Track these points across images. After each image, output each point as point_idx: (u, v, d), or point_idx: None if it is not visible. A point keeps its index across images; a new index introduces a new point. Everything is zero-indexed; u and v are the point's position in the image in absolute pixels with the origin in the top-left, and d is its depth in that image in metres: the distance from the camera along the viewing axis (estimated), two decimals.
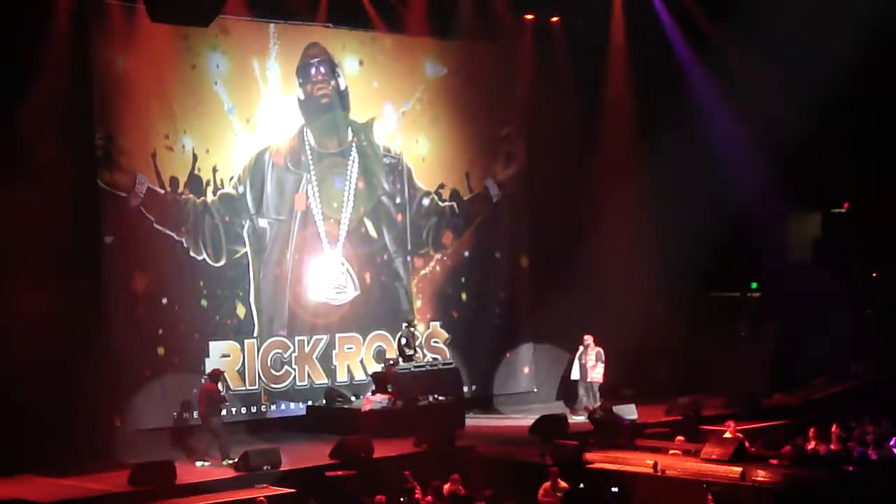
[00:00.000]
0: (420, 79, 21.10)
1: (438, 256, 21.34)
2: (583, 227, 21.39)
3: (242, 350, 18.97)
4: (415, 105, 21.05)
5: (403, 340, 19.54)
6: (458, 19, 20.67)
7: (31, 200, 16.00)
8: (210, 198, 18.71)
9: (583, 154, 21.62)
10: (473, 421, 19.61)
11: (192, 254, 18.47)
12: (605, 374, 20.06)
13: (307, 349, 19.70)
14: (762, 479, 14.57)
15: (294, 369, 19.53)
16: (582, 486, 14.76)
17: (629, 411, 18.81)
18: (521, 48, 21.83)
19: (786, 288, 22.29)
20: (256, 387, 19.07)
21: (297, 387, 19.54)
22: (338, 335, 20.03)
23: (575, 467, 15.55)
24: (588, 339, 20.09)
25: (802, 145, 20.55)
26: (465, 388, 20.62)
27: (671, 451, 16.64)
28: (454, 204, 21.51)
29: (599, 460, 16.10)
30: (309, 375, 19.68)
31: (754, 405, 19.89)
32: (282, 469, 15.75)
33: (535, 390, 22.03)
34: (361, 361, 20.23)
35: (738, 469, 14.81)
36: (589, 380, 20.02)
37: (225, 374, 17.84)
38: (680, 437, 17.12)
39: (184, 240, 18.38)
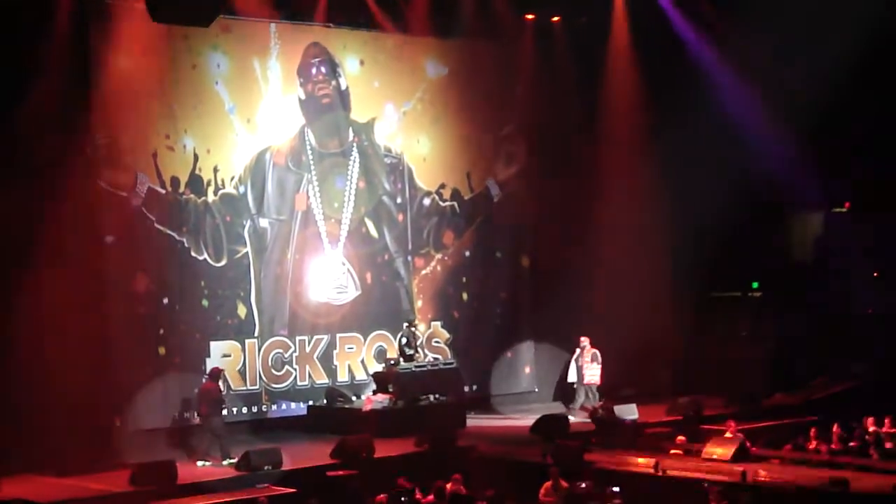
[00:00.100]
0: (421, 78, 21.10)
1: (439, 256, 21.34)
2: (584, 227, 21.38)
3: (243, 350, 18.97)
4: (416, 105, 21.05)
5: (404, 340, 19.54)
6: (459, 19, 20.66)
7: (32, 200, 16.01)
8: (211, 198, 18.71)
9: (584, 153, 21.60)
10: (474, 421, 19.60)
11: (193, 254, 18.47)
12: (602, 376, 20.03)
13: (308, 349, 19.70)
14: (763, 478, 14.57)
15: (295, 369, 19.53)
16: (583, 485, 14.74)
17: (630, 411, 18.82)
18: (522, 48, 21.81)
19: (786, 288, 22.31)
20: (257, 387, 19.08)
21: (298, 387, 19.54)
22: (339, 335, 20.03)
23: (576, 467, 15.55)
24: (584, 340, 20.07)
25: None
26: (466, 388, 20.62)
27: (672, 451, 16.66)
28: (455, 204, 21.51)
29: (601, 460, 16.11)
30: (310, 375, 19.68)
31: (755, 405, 19.90)
32: (283, 469, 15.74)
33: (536, 390, 22.03)
34: (362, 361, 20.23)
35: (739, 469, 14.81)
36: (585, 381, 19.98)
37: (225, 372, 17.89)
38: (681, 437, 17.13)
39: (185, 240, 18.38)
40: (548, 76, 21.69)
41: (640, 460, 15.79)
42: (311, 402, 19.44)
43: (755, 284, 22.91)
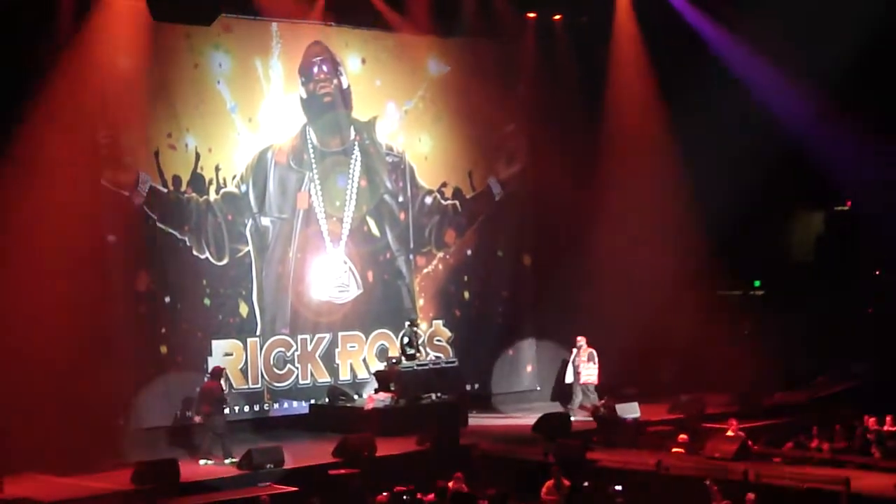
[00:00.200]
0: (423, 77, 21.10)
1: (441, 255, 21.34)
2: (585, 226, 21.37)
3: (245, 349, 18.98)
4: (417, 103, 21.05)
5: (406, 339, 19.55)
6: (460, 17, 20.67)
7: (34, 199, 16.02)
8: (213, 196, 18.72)
9: (585, 152, 21.59)
10: (476, 419, 19.60)
11: (194, 252, 18.48)
12: (599, 375, 19.96)
13: (310, 348, 19.71)
14: (765, 477, 14.57)
15: (297, 368, 19.54)
16: (586, 484, 14.75)
17: (632, 409, 18.82)
18: (524, 46, 21.81)
19: (789, 286, 22.30)
20: (259, 385, 19.08)
21: (300, 385, 19.55)
22: (340, 334, 20.04)
23: (578, 465, 15.55)
24: (581, 340, 20.00)
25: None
26: (468, 387, 20.63)
27: (674, 450, 16.66)
28: (457, 202, 21.51)
29: (603, 458, 16.11)
30: (312, 374, 19.69)
31: (757, 403, 19.88)
32: (285, 467, 15.75)
33: (538, 388, 22.03)
34: (364, 360, 20.24)
35: (741, 467, 14.81)
36: (582, 381, 19.91)
37: (227, 371, 17.91)
38: (683, 436, 17.12)
39: (186, 238, 18.39)
40: (549, 74, 21.69)
41: (643, 459, 15.78)
42: (312, 401, 19.45)
43: (757, 283, 22.89)
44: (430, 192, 21.22)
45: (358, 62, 20.41)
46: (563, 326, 21.08)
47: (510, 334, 21.96)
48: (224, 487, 15.12)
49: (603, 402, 19.25)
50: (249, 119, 19.16)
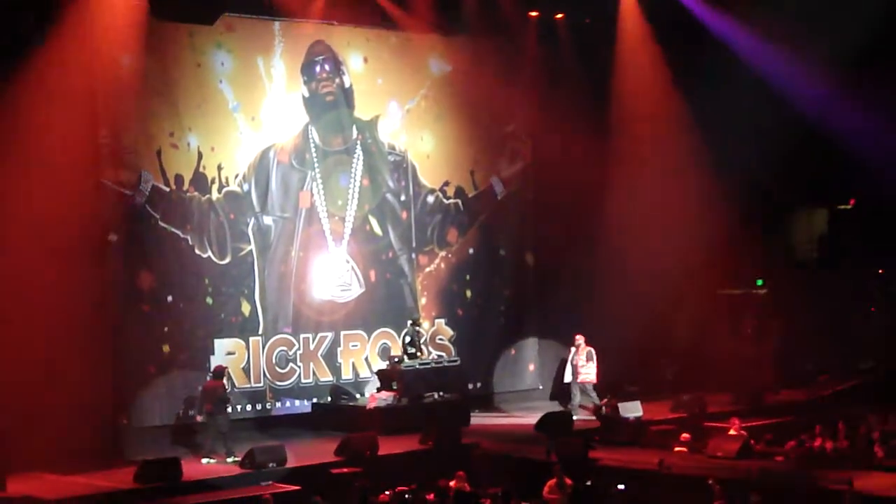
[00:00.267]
0: (425, 76, 21.10)
1: (443, 254, 21.34)
2: (588, 225, 21.35)
3: (247, 348, 18.98)
4: (419, 102, 21.04)
5: (408, 338, 19.54)
6: (462, 16, 20.65)
7: (36, 198, 16.02)
8: (215, 195, 18.72)
9: (588, 151, 21.57)
10: (478, 418, 19.60)
11: (197, 251, 18.48)
12: (598, 374, 19.90)
13: (312, 347, 19.71)
14: (767, 476, 14.56)
15: (299, 367, 19.54)
16: (588, 483, 14.74)
17: (634, 408, 18.80)
18: (526, 45, 21.79)
19: (792, 285, 22.28)
20: (261, 384, 19.09)
21: (303, 384, 19.55)
22: (343, 333, 20.03)
23: (580, 464, 15.55)
24: (579, 338, 19.91)
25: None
26: (470, 386, 20.63)
27: (676, 448, 16.66)
28: (459, 201, 21.51)
29: (605, 457, 16.10)
30: (314, 373, 19.69)
31: (760, 402, 19.87)
32: (287, 466, 15.76)
33: (541, 387, 22.01)
34: (366, 359, 20.24)
35: (744, 466, 14.80)
36: (580, 380, 19.87)
37: (229, 370, 17.91)
38: (685, 434, 17.11)
39: (189, 237, 18.39)
40: (552, 73, 21.66)
41: (645, 457, 15.77)
42: (315, 400, 19.46)
43: (760, 282, 22.88)
44: (432, 191, 21.22)
45: (360, 61, 20.40)
46: (565, 325, 21.05)
47: (512, 333, 21.95)
48: (226, 486, 15.12)
49: (605, 401, 19.23)
50: (252, 118, 19.16)
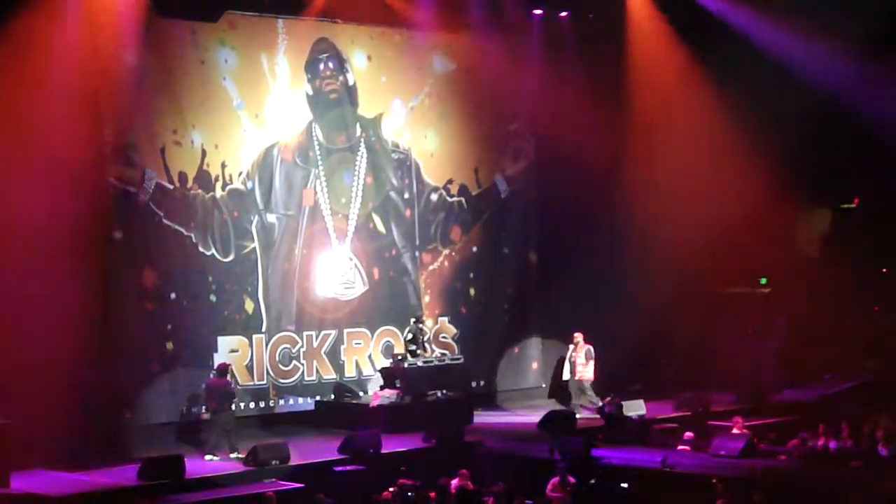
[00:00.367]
0: (428, 74, 21.09)
1: (447, 252, 21.33)
2: (591, 223, 21.32)
3: (251, 345, 18.98)
4: (423, 100, 21.04)
5: (411, 336, 19.54)
6: (466, 13, 20.63)
7: (40, 196, 16.02)
8: (219, 193, 18.72)
9: (592, 149, 21.53)
10: (481, 416, 19.59)
11: (200, 249, 18.49)
12: (595, 372, 19.86)
13: (315, 344, 19.71)
14: (770, 475, 14.54)
15: (302, 364, 19.54)
16: (591, 481, 14.73)
17: (638, 407, 18.79)
18: (530, 43, 21.76)
19: (796, 283, 22.23)
20: (264, 382, 19.09)
21: (306, 382, 19.55)
22: (346, 330, 20.03)
23: (583, 463, 15.54)
24: (577, 336, 19.88)
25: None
26: (473, 384, 20.63)
27: (680, 447, 16.64)
28: (462, 199, 21.50)
29: (608, 456, 16.08)
30: (317, 370, 19.69)
31: (763, 401, 19.85)
32: (290, 464, 15.77)
33: (544, 386, 22.00)
34: (370, 357, 20.24)
35: (747, 465, 14.78)
36: (578, 378, 19.84)
37: (232, 367, 17.91)
38: (688, 433, 17.10)
39: (192, 235, 18.40)
40: (555, 71, 21.62)
41: (648, 456, 15.76)
42: (318, 398, 19.47)
43: (763, 280, 22.84)
44: (435, 189, 21.21)
45: (364, 59, 20.39)
46: (568, 324, 20.98)
47: (516, 331, 21.95)
48: (230, 483, 15.15)
49: (608, 399, 19.21)
50: (255, 115, 19.16)
